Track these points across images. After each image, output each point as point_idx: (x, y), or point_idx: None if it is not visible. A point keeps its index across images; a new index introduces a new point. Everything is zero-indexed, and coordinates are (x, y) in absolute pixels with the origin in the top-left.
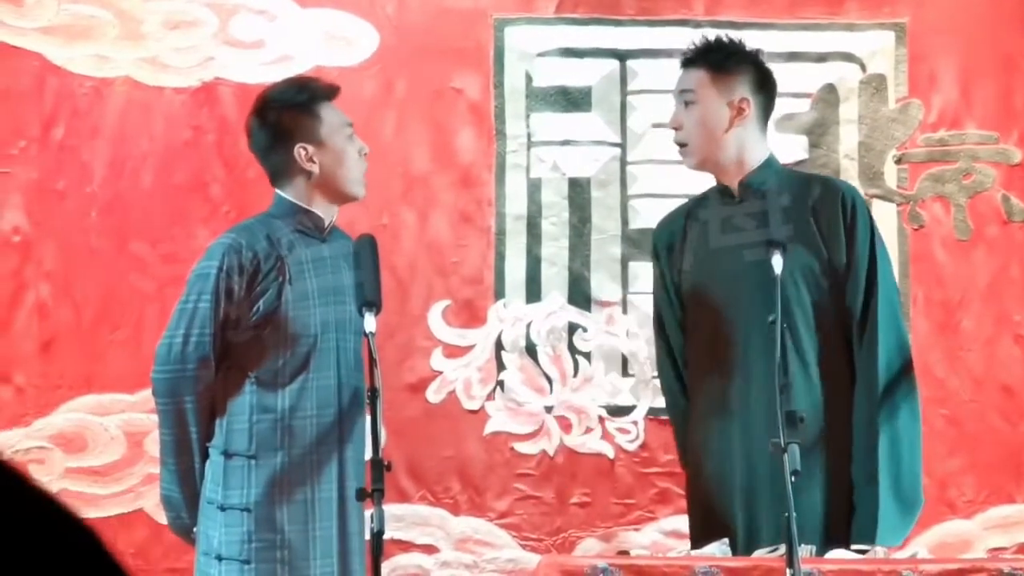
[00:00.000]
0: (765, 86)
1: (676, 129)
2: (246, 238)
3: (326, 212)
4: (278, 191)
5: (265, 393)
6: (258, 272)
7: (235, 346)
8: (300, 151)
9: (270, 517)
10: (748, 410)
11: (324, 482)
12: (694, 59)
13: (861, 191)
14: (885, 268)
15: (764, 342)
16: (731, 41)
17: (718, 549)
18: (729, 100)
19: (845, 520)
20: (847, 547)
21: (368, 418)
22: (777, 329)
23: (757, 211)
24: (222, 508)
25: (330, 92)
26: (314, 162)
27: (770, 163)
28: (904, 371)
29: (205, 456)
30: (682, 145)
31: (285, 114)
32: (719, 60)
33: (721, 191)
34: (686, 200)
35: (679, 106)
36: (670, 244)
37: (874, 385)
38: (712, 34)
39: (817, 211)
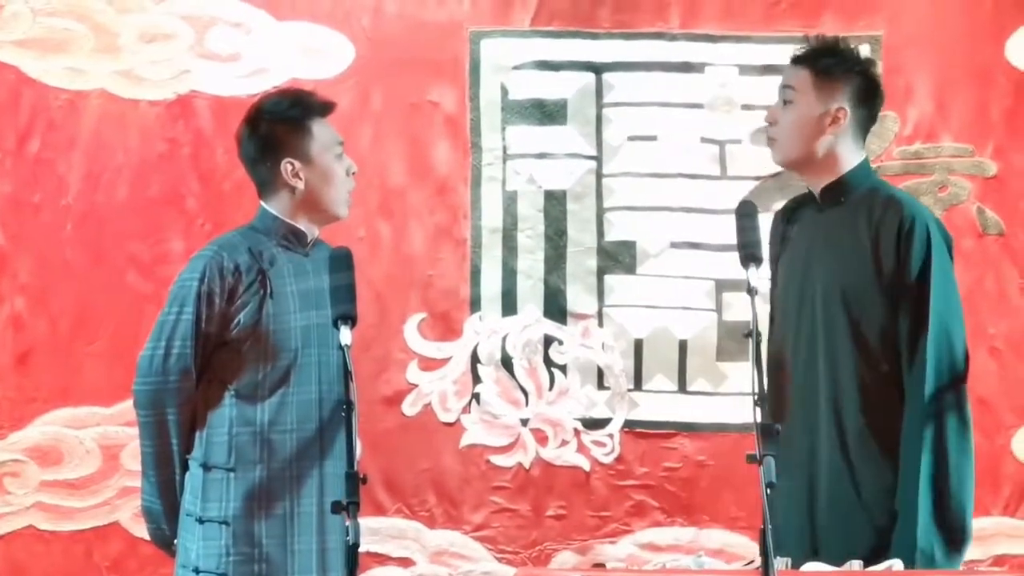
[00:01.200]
0: (868, 97)
1: (771, 124)
2: (228, 251)
3: (309, 227)
4: (263, 204)
5: (245, 406)
6: (239, 285)
7: (215, 358)
8: (287, 166)
9: (248, 531)
10: (807, 424)
11: (304, 496)
12: (802, 58)
13: None
14: (940, 293)
15: (820, 354)
16: (843, 47)
17: (693, 562)
18: (827, 106)
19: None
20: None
21: (351, 431)
22: (751, 342)
23: (836, 220)
24: (200, 521)
25: (324, 108)
26: (300, 178)
27: (856, 173)
28: (956, 401)
29: (185, 468)
30: (771, 139)
31: (276, 127)
32: (825, 64)
33: (811, 196)
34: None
35: (778, 101)
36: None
37: (918, 412)
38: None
39: (878, 228)
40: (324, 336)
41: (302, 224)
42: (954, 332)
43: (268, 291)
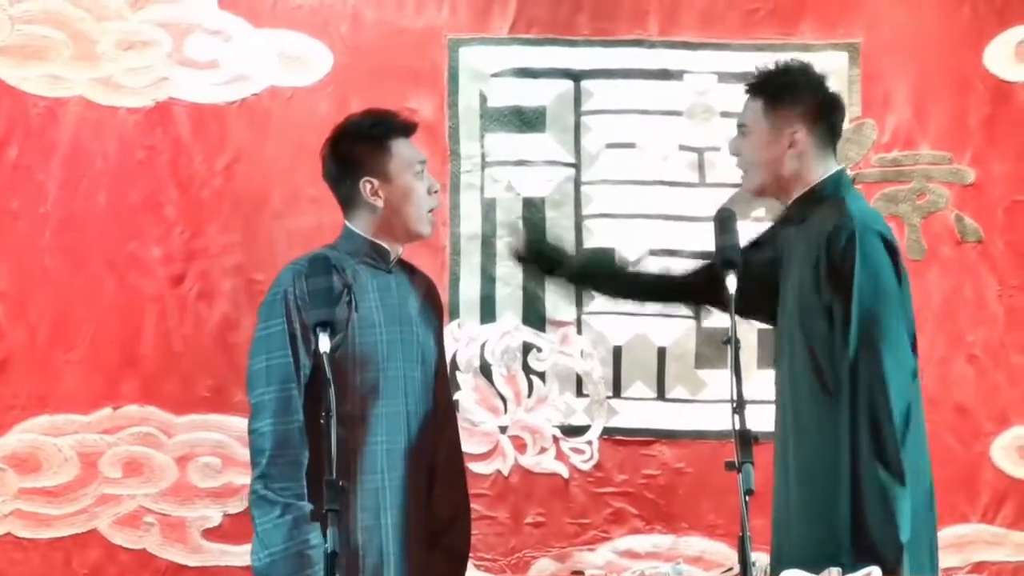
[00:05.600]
0: (825, 113)
1: (737, 156)
2: (311, 264)
3: (392, 245)
4: (346, 222)
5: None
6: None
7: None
8: (366, 184)
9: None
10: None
11: (392, 508)
12: (752, 87)
13: None
14: (868, 288)
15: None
16: (792, 69)
17: (672, 569)
18: (782, 131)
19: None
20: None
21: (331, 440)
22: (731, 350)
23: (800, 236)
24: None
25: (407, 128)
26: (379, 196)
27: (818, 189)
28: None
29: None
30: (741, 171)
31: (356, 146)
32: (774, 90)
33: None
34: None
35: (738, 134)
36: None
37: (855, 441)
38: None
39: (828, 244)
40: (409, 352)
41: (384, 242)
42: (898, 353)
43: (353, 304)
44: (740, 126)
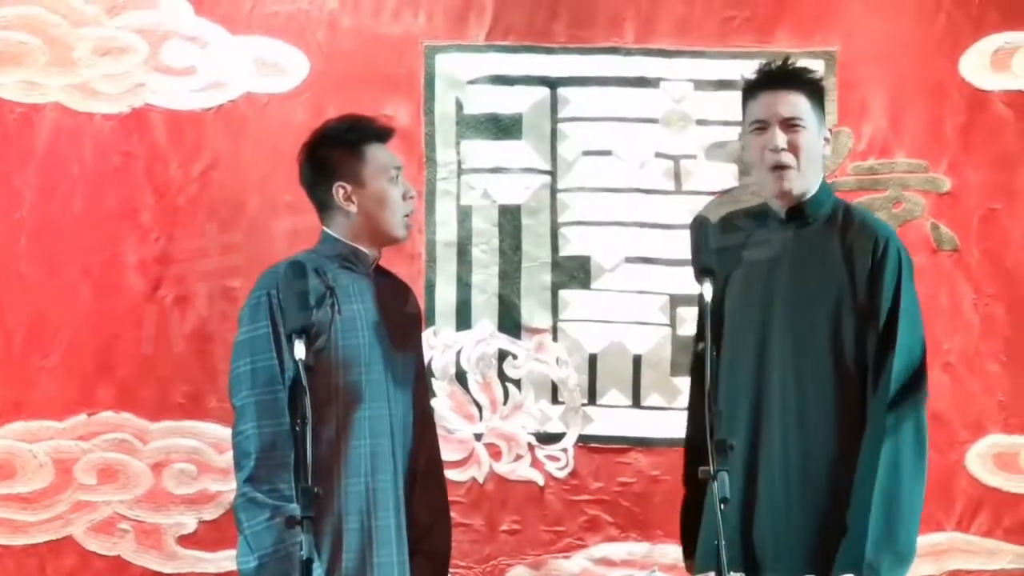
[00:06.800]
0: (824, 116)
1: (790, 151)
2: (289, 269)
3: (370, 249)
4: (324, 227)
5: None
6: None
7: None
8: (339, 190)
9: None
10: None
11: (381, 510)
12: (796, 81)
13: None
14: (908, 318)
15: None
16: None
17: None
18: (824, 129)
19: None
20: None
21: (307, 447)
22: (707, 356)
23: (805, 239)
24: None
25: (383, 134)
26: (352, 202)
27: (821, 193)
28: (916, 423)
29: None
30: (786, 167)
31: (330, 151)
32: (815, 87)
33: (764, 212)
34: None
35: (790, 130)
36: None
37: (879, 438)
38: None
39: (851, 250)
40: (389, 356)
41: (362, 246)
42: (918, 357)
43: (336, 306)
44: (792, 122)
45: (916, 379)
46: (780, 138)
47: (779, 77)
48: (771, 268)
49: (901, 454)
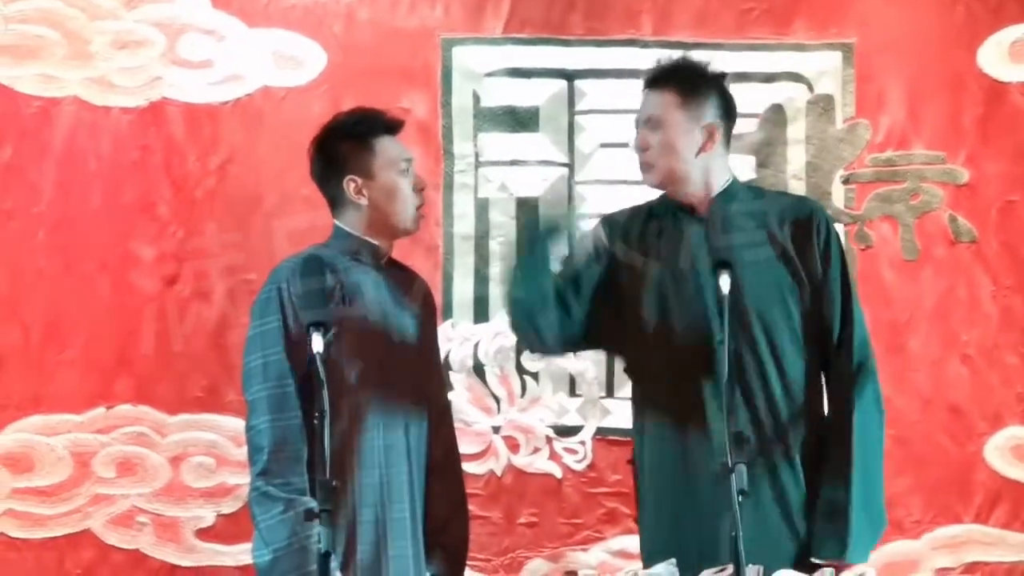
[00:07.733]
0: (730, 110)
1: (644, 150)
2: (304, 263)
3: (381, 242)
4: (336, 221)
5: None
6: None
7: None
8: (349, 183)
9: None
10: (703, 430)
11: (396, 503)
12: (661, 80)
13: None
14: (855, 288)
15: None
16: (699, 63)
17: (665, 569)
18: (698, 124)
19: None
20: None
21: (324, 441)
22: (724, 349)
23: (728, 230)
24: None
25: (392, 126)
26: (363, 195)
27: (736, 183)
28: (875, 392)
29: None
30: (647, 164)
31: (340, 144)
32: (689, 83)
33: (681, 207)
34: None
35: (644, 128)
36: (625, 239)
37: (850, 405)
38: (670, 55)
39: (793, 230)
40: (404, 349)
41: (373, 239)
42: (865, 327)
43: (346, 299)
44: (648, 120)
45: (869, 349)
46: (638, 138)
47: (652, 77)
48: (697, 258)
49: (868, 424)
